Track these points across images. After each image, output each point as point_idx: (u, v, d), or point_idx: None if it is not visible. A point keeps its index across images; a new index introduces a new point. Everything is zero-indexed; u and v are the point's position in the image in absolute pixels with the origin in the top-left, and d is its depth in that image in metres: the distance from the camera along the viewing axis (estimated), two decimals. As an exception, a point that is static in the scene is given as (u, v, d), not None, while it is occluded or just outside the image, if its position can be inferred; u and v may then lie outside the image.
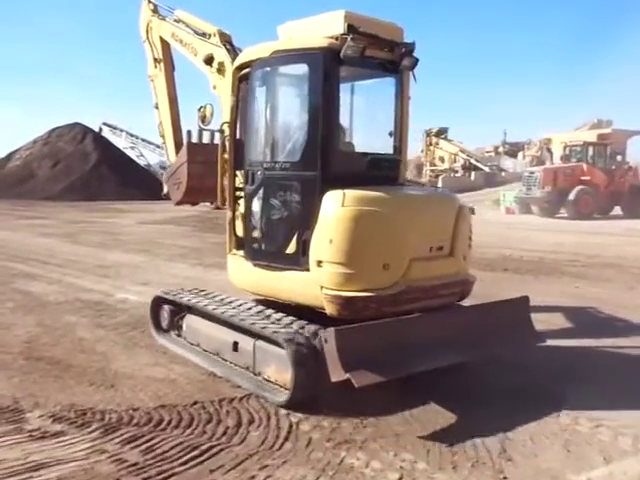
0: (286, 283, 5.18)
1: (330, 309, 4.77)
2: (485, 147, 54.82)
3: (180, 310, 6.16)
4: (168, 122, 7.12)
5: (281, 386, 4.81)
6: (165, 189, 7.34)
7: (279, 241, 5.23)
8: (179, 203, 6.98)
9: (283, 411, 4.62)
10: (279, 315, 5.17)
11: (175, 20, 6.82)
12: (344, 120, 5.58)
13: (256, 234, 5.42)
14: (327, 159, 4.96)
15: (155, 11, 7.13)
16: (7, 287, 9.35)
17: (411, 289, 4.90)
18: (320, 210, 4.81)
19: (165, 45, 7.02)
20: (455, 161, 47.14)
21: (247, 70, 5.47)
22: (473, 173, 43.86)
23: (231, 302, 5.68)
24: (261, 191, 5.33)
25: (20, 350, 6.09)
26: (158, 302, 6.46)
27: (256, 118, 5.47)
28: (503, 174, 44.49)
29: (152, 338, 6.44)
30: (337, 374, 4.26)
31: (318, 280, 4.82)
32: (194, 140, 6.62)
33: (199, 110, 6.23)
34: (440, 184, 41.82)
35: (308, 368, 4.54)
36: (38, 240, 16.12)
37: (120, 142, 46.87)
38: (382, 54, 5.22)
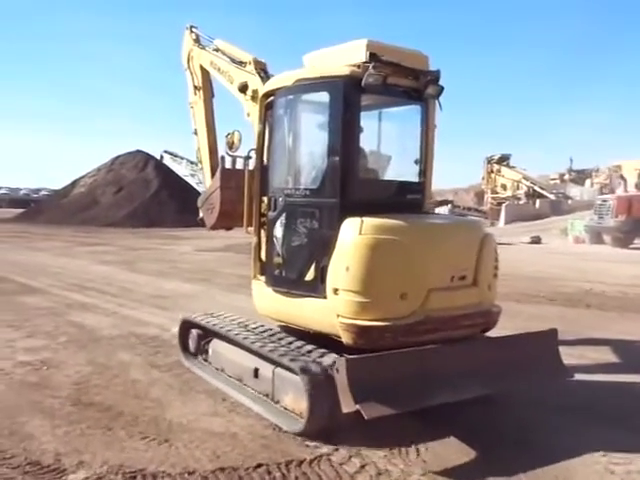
0: (304, 310, 5.20)
1: (346, 338, 4.77)
2: (549, 174, 53.26)
3: (206, 334, 6.25)
4: (205, 148, 7.29)
5: (298, 415, 4.78)
6: (200, 214, 7.44)
7: (298, 268, 5.26)
8: (213, 228, 7.06)
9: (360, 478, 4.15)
10: (300, 343, 5.18)
11: (214, 49, 7.04)
12: (369, 147, 5.69)
13: (276, 260, 5.48)
14: (347, 186, 5.00)
15: (197, 40, 7.38)
16: (62, 319, 9.02)
17: (430, 319, 4.84)
18: (338, 237, 4.83)
19: (205, 73, 7.23)
20: (518, 188, 45.90)
21: (272, 98, 5.59)
22: (538, 201, 42.44)
23: (255, 328, 5.73)
24: (282, 217, 5.40)
25: (69, 393, 5.64)
26: (186, 326, 6.58)
27: (279, 145, 5.57)
28: (570, 202, 42.98)
29: (209, 383, 5.91)
30: (348, 404, 4.24)
31: (334, 308, 4.82)
32: (228, 166, 6.70)
33: (227, 136, 6.47)
34: (503, 212, 40.60)
35: (323, 398, 4.51)
36: (96, 268, 16.03)
37: (180, 169, 47.54)
38: (406, 82, 5.26)
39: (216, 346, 6.08)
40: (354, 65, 5.00)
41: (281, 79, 5.54)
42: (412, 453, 4.52)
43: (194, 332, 6.44)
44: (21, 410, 5.22)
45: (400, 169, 5.85)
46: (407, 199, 5.47)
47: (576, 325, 7.88)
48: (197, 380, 6.11)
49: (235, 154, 6.48)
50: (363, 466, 4.27)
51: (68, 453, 4.35)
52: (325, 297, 4.90)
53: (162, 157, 49.85)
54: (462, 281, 5.09)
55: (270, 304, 5.64)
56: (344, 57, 5.16)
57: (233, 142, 6.42)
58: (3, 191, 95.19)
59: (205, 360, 6.29)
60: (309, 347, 5.07)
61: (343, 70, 5.01)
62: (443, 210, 43.94)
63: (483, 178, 49.98)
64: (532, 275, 15.76)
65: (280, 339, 5.35)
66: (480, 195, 53.24)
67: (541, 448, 4.63)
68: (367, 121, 5.54)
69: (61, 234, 30.92)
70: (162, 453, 4.42)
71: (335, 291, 4.81)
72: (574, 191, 46.44)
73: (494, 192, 48.15)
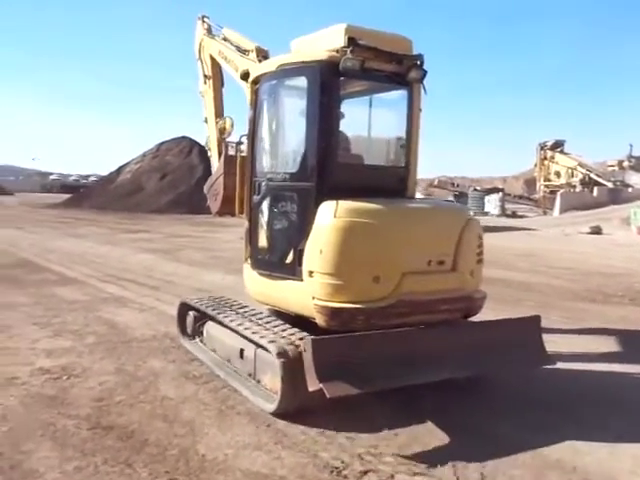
0: (284, 292, 5.36)
1: (319, 319, 4.88)
2: (607, 161, 50.76)
3: (202, 317, 6.45)
4: (214, 136, 7.37)
5: (275, 394, 4.86)
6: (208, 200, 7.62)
7: (279, 251, 5.42)
8: (218, 214, 7.17)
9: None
10: (285, 326, 5.24)
11: (223, 38, 7.14)
12: (353, 132, 5.80)
13: (260, 243, 5.66)
14: (324, 170, 5.09)
15: (209, 31, 7.48)
16: (93, 315, 8.26)
17: (403, 303, 4.90)
18: (315, 220, 4.93)
19: (214, 63, 7.31)
20: (573, 176, 44.08)
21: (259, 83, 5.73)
22: (595, 189, 40.35)
23: (246, 311, 5.86)
24: (265, 201, 5.55)
25: (88, 413, 4.82)
26: (184, 308, 6.80)
27: (264, 130, 5.73)
28: (630, 190, 40.78)
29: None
30: (313, 383, 4.30)
31: (310, 290, 4.95)
32: (232, 153, 6.80)
33: (217, 122, 6.79)
34: (558, 200, 38.83)
35: (296, 378, 4.53)
36: (138, 257, 15.41)
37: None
38: (388, 66, 5.31)
39: (209, 328, 6.29)
40: (333, 50, 5.07)
41: (266, 65, 5.71)
42: (387, 436, 4.52)
43: (191, 314, 6.65)
44: (30, 434, 4.46)
45: (385, 154, 5.93)
46: (390, 183, 5.54)
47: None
48: (237, 397, 5.18)
49: (228, 140, 6.71)
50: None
51: (74, 501, 3.46)
52: (302, 280, 5.03)
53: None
54: (440, 266, 5.14)
55: (256, 287, 5.83)
56: (325, 42, 5.23)
57: (225, 128, 6.66)
58: (54, 176, 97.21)
59: (201, 341, 6.50)
60: (292, 330, 5.12)
61: (322, 55, 5.10)
62: (494, 198, 42.40)
63: (535, 165, 48.36)
64: (602, 270, 14.50)
65: (268, 322, 5.43)
66: (530, 183, 51.39)
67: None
68: (354, 107, 5.85)
69: (105, 220, 30.83)
70: (191, 506, 3.51)
71: (310, 273, 4.93)
72: (634, 179, 44.21)
73: (547, 180, 46.58)
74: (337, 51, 5.04)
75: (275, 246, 5.50)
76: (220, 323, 5.88)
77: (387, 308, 4.84)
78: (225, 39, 7.07)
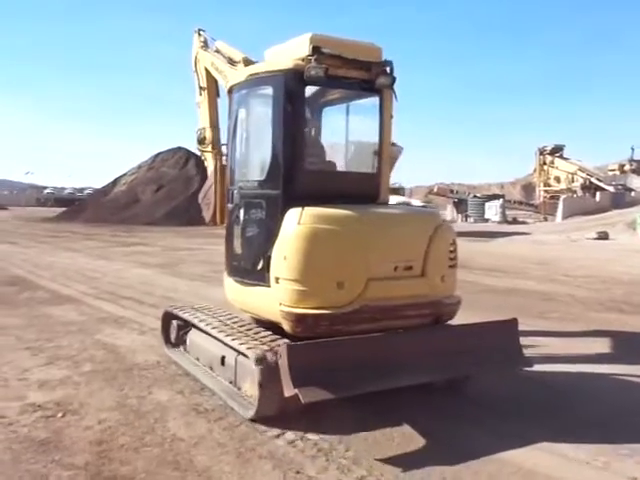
0: (256, 299, 5.45)
1: (285, 325, 4.96)
2: (608, 165, 50.31)
3: (185, 325, 6.51)
4: (209, 146, 7.41)
5: (255, 401, 4.92)
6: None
7: (250, 258, 5.50)
8: (210, 222, 7.24)
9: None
10: (266, 333, 5.27)
11: (215, 51, 7.24)
12: (325, 140, 6.07)
13: (234, 251, 5.78)
14: (291, 177, 5.18)
15: (205, 43, 7.58)
16: (90, 338, 7.61)
17: (368, 309, 4.95)
18: (281, 227, 5.01)
19: (209, 74, 7.39)
20: (573, 181, 43.59)
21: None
22: (598, 194, 39.85)
23: (229, 319, 5.86)
24: (237, 209, 5.65)
25: (86, 460, 4.23)
26: (167, 318, 6.87)
27: (236, 139, 5.83)
28: (632, 194, 40.27)
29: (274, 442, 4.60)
30: (288, 389, 4.34)
31: (277, 296, 5.02)
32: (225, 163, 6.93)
33: (197, 132, 7.00)
34: (560, 206, 38.35)
35: (274, 384, 4.57)
36: (136, 271, 14.87)
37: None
38: (356, 73, 5.40)
39: (192, 336, 6.34)
40: (299, 59, 5.16)
41: (238, 74, 5.87)
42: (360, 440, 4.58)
43: (174, 323, 6.71)
44: (14, 493, 3.70)
45: (357, 160, 6.04)
46: (361, 190, 5.58)
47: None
48: (257, 436, 4.57)
49: (206, 149, 7.04)
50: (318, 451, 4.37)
51: None
52: (270, 286, 5.12)
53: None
54: (408, 271, 5.19)
55: (232, 294, 5.94)
56: (292, 51, 5.33)
57: (204, 137, 6.95)
58: (49, 190, 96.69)
59: (185, 350, 6.54)
60: (273, 337, 5.16)
61: (287, 64, 5.21)
62: (495, 204, 41.89)
63: (535, 170, 48.08)
64: (622, 278, 13.92)
65: (249, 329, 5.47)
66: (528, 188, 51.08)
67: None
68: (332, 114, 6.13)
69: (101, 233, 30.31)
70: None
71: (277, 280, 5.01)
72: (635, 182, 43.73)
73: (547, 185, 46.30)
74: (302, 60, 5.13)
75: (247, 253, 5.60)
76: (202, 331, 5.93)
77: (352, 314, 4.89)
78: (217, 51, 7.19)
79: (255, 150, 5.78)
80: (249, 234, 5.50)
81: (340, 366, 4.50)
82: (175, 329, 6.65)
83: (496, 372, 5.75)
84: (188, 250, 21.07)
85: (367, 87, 5.48)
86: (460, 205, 45.21)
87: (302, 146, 5.34)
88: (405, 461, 4.24)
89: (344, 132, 6.05)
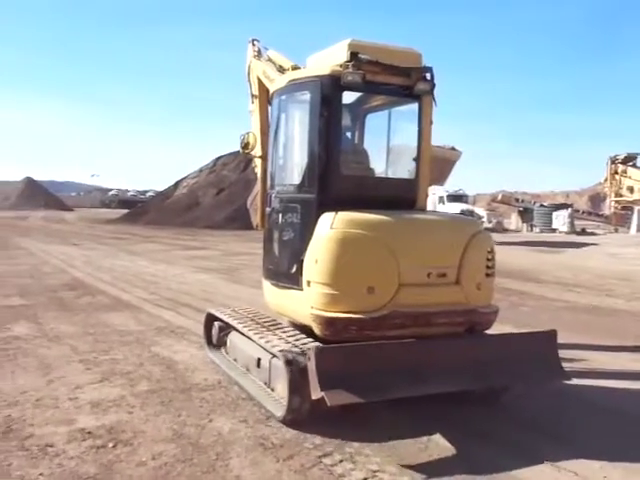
0: (289, 302, 5.50)
1: (315, 328, 4.99)
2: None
3: (226, 327, 6.59)
4: (259, 153, 7.44)
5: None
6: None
7: (285, 261, 5.55)
8: (257, 227, 7.24)
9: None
10: (300, 336, 5.34)
11: (267, 59, 7.33)
12: (364, 145, 6.22)
13: (271, 254, 5.86)
14: (326, 182, 5.22)
15: (258, 53, 7.64)
16: (147, 351, 7.15)
17: (398, 314, 4.92)
18: (314, 231, 5.07)
19: (261, 83, 7.45)
20: (648, 191, 41.12)
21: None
22: (677, 205, 37.58)
23: (266, 321, 5.94)
24: (274, 213, 5.74)
25: None
26: (209, 319, 7.00)
27: (276, 144, 5.92)
28: None
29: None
30: (315, 392, 4.38)
31: (308, 300, 5.05)
32: None
33: (241, 137, 6.87)
34: (635, 217, 36.42)
35: (303, 387, 4.60)
36: (196, 277, 14.59)
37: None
38: (395, 79, 5.40)
39: (232, 338, 6.44)
40: (337, 64, 5.22)
41: (279, 81, 5.95)
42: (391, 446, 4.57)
43: (216, 325, 6.82)
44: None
45: (396, 166, 6.02)
46: (399, 196, 5.61)
47: None
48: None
49: (250, 155, 7.05)
50: (341, 461, 4.30)
51: None
52: (302, 289, 5.16)
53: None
54: (441, 278, 5.15)
55: (269, 297, 6.03)
56: (332, 57, 5.39)
57: (248, 142, 6.84)
58: (113, 192, 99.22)
59: (225, 351, 6.66)
60: (307, 340, 5.23)
61: (324, 70, 5.28)
62: (563, 214, 40.17)
63: (605, 180, 45.91)
64: None
65: (284, 332, 5.56)
66: (595, 199, 48.70)
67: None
68: (370, 121, 6.23)
69: (162, 236, 30.50)
70: None
71: (308, 283, 5.06)
72: None
73: (618, 195, 43.97)
74: (341, 65, 5.18)
75: (282, 256, 5.67)
76: (239, 332, 6.04)
77: (382, 319, 4.88)
78: (269, 60, 7.31)
79: (293, 154, 5.88)
80: (285, 238, 5.58)
81: (368, 371, 4.54)
82: (217, 330, 6.76)
83: (532, 384, 5.64)
84: (248, 255, 20.63)
85: (406, 93, 5.52)
86: (525, 214, 43.61)
87: (338, 151, 5.41)
88: (428, 472, 4.19)
89: (385, 138, 6.10)
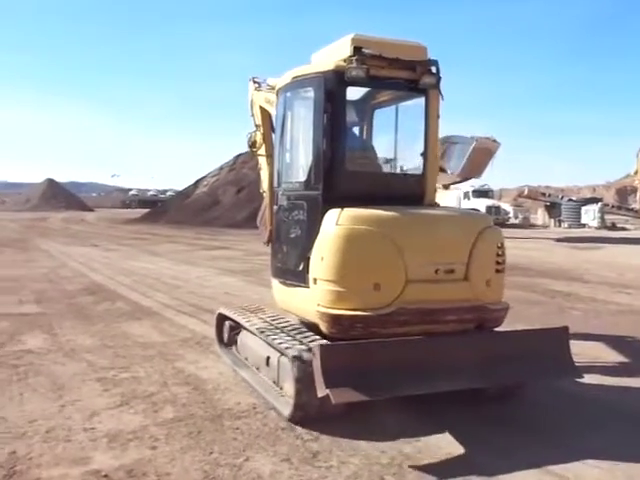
0: (296, 299, 5.52)
1: (321, 326, 5.00)
2: None
3: (237, 326, 6.60)
4: (265, 175, 7.41)
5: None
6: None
7: (291, 259, 5.58)
8: (266, 243, 7.11)
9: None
10: (309, 333, 5.32)
11: (267, 87, 7.35)
12: (371, 141, 6.22)
13: (277, 252, 5.90)
14: (331, 178, 5.20)
15: (259, 85, 7.65)
16: (171, 368, 6.44)
17: (405, 311, 4.89)
18: (320, 228, 5.08)
19: (264, 111, 7.46)
20: (680, 183, 39.96)
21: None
22: None
23: (275, 320, 5.94)
24: (280, 211, 5.76)
25: None
26: (220, 318, 6.99)
27: (281, 141, 5.92)
28: None
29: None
30: (321, 389, 4.37)
31: (315, 297, 5.06)
32: None
33: (247, 136, 6.96)
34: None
35: (310, 383, 4.57)
36: (219, 280, 14.08)
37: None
38: (400, 73, 5.37)
39: (242, 337, 6.46)
40: (341, 60, 5.19)
41: (283, 77, 5.86)
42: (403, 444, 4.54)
43: (227, 324, 6.86)
44: None
45: (404, 161, 5.99)
46: (406, 191, 5.57)
47: None
48: None
49: (259, 153, 6.93)
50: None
51: None
52: (309, 287, 5.16)
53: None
54: (449, 274, 5.09)
55: (277, 294, 6.04)
56: (335, 53, 5.37)
57: (255, 141, 6.88)
58: (133, 192, 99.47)
59: (236, 350, 6.67)
60: (314, 337, 5.19)
61: (327, 65, 5.26)
62: (592, 208, 39.03)
63: (635, 173, 44.54)
64: None
65: (292, 330, 5.55)
66: (623, 192, 47.56)
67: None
68: (377, 116, 6.23)
69: (183, 235, 30.11)
70: None
71: (315, 281, 5.06)
72: None
73: (649, 188, 42.56)
74: (344, 60, 5.15)
75: (289, 254, 5.68)
76: (249, 331, 6.07)
77: (388, 316, 4.86)
78: (269, 86, 7.29)
79: (298, 151, 5.87)
80: (291, 235, 5.59)
81: (375, 368, 4.53)
82: (227, 329, 6.80)
83: (545, 381, 5.67)
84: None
85: (412, 87, 5.48)
86: (552, 209, 42.51)
87: (344, 147, 5.39)
88: (428, 472, 4.14)
89: (393, 134, 6.09)
